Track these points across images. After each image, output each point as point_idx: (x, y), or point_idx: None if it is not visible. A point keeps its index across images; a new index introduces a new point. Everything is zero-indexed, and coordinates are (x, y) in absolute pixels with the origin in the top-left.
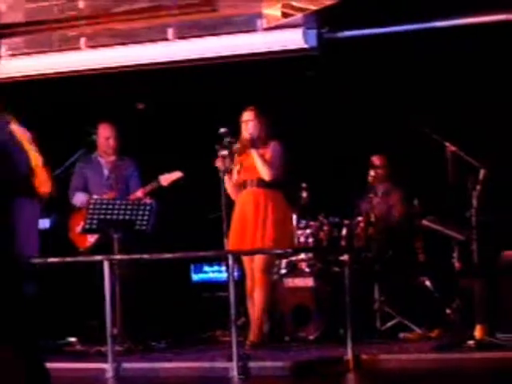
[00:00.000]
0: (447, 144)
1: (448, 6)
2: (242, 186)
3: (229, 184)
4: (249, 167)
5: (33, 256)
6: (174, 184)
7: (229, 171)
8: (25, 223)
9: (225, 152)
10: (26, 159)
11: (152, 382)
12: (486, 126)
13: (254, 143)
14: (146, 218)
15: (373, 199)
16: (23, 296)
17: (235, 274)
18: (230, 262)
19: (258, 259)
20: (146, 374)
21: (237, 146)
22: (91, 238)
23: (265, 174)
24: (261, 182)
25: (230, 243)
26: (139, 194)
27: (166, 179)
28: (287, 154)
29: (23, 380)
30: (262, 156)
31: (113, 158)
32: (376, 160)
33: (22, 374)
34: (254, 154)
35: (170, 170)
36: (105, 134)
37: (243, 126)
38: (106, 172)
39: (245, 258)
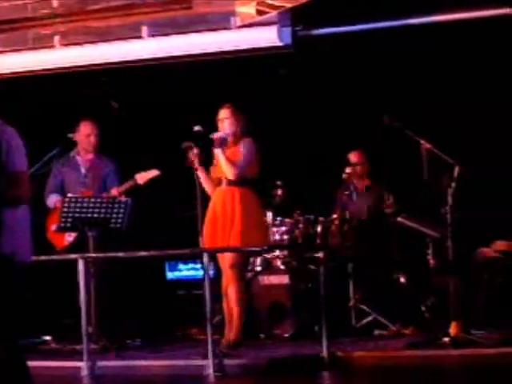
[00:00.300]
0: (422, 141)
1: (422, 4)
2: (217, 182)
3: (204, 180)
4: (220, 166)
5: (28, 259)
6: (151, 182)
7: (200, 168)
8: (20, 226)
9: (196, 150)
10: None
11: (127, 380)
12: (460, 123)
13: (221, 143)
14: (120, 215)
15: (351, 196)
16: (16, 297)
17: (210, 271)
18: (205, 259)
19: (228, 256)
20: (121, 372)
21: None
22: (69, 238)
23: (229, 173)
24: (232, 180)
25: (205, 241)
26: (114, 192)
27: (142, 177)
28: (260, 151)
29: (10, 379)
30: (227, 156)
31: (91, 156)
32: (354, 157)
33: (8, 374)
34: (218, 153)
35: (144, 169)
36: (86, 132)
37: (219, 124)
38: (83, 170)
39: (219, 256)
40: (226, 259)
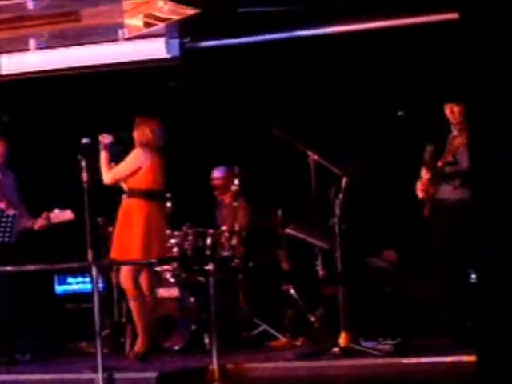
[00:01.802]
0: (310, 153)
1: (307, 17)
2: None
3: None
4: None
5: None
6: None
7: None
8: None
9: (84, 163)
10: None
11: None
12: (348, 134)
13: (106, 147)
14: (8, 229)
15: (222, 210)
16: None
17: (100, 285)
18: (94, 273)
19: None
20: None
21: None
22: None
23: (104, 177)
24: (125, 191)
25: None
26: (1, 205)
27: (56, 217)
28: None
29: None
30: (105, 160)
31: None
32: (216, 173)
33: None
34: (101, 156)
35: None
36: None
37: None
38: None
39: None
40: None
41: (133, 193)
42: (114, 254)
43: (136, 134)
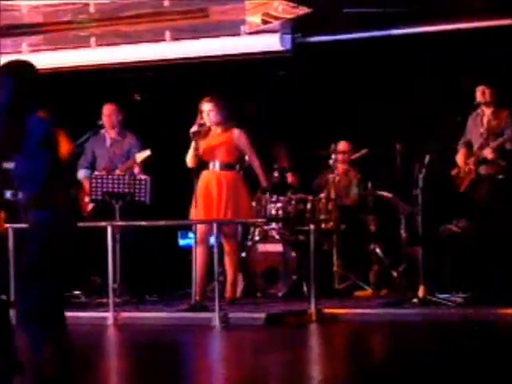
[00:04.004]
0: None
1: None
2: (202, 164)
3: (191, 153)
4: (209, 150)
5: None
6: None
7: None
8: None
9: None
10: None
11: (145, 328)
12: (430, 123)
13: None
14: (143, 191)
15: (334, 178)
16: None
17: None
18: (215, 229)
19: (225, 228)
20: (141, 322)
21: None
22: (91, 205)
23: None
24: (221, 165)
25: (198, 215)
26: (118, 171)
27: (139, 157)
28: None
29: None
30: (222, 141)
31: (114, 133)
32: (342, 146)
33: None
34: (255, 167)
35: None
36: (106, 112)
37: (204, 116)
38: (107, 145)
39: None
40: (224, 233)
41: (230, 166)
42: (224, 215)
43: (219, 113)
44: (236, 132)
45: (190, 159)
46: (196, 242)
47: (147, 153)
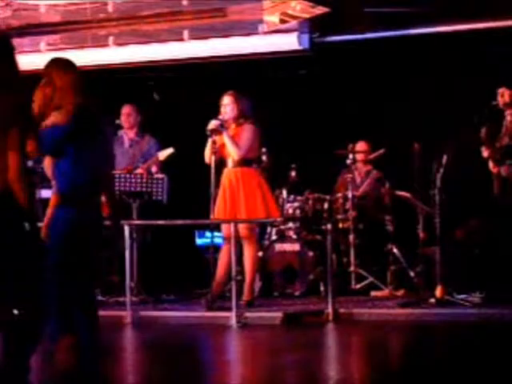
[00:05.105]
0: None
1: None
2: (220, 161)
3: (209, 149)
4: (224, 146)
5: None
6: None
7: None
8: None
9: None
10: None
11: (162, 327)
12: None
13: (219, 128)
14: (160, 190)
15: (354, 179)
16: None
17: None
18: (232, 228)
19: (243, 229)
20: (158, 320)
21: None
22: None
23: (233, 153)
24: (238, 162)
25: (218, 214)
26: (140, 170)
27: (162, 155)
28: (262, 136)
29: None
30: (231, 137)
31: (133, 133)
32: (361, 146)
33: None
34: (224, 136)
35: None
36: (125, 112)
37: (222, 109)
38: (126, 145)
39: (225, 227)
40: (241, 232)
41: (247, 162)
42: (241, 215)
43: (236, 108)
44: (246, 127)
45: (207, 156)
46: (224, 239)
47: (170, 150)
